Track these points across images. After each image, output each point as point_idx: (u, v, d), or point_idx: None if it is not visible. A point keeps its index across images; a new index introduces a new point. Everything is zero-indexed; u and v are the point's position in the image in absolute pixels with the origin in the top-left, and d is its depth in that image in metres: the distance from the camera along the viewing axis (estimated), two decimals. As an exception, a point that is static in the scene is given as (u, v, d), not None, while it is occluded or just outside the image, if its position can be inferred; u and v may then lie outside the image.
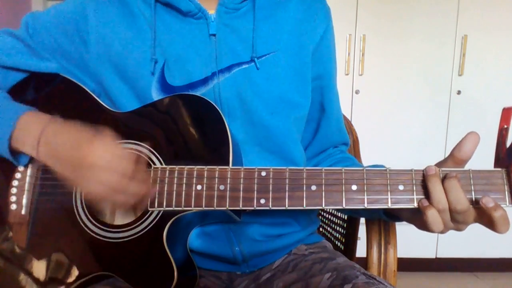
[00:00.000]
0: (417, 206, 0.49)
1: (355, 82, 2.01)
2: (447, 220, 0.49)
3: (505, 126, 0.48)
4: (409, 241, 2.04)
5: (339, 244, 0.87)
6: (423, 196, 0.49)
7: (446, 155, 0.51)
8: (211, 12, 0.64)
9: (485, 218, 0.48)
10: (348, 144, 0.81)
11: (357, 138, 0.91)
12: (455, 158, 0.49)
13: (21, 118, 0.58)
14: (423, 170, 0.49)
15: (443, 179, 0.48)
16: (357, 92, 2.01)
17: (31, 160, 0.61)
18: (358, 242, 0.81)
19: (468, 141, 0.48)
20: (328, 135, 0.76)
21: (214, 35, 0.64)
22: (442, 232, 0.49)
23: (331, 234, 0.93)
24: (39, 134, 0.56)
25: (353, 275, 0.57)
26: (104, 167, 0.50)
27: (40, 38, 0.66)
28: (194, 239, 0.64)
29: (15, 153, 0.59)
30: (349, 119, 0.86)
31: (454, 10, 1.95)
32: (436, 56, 1.98)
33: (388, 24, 1.96)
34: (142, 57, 0.63)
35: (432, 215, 0.47)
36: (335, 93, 0.76)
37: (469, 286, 2.03)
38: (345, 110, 0.80)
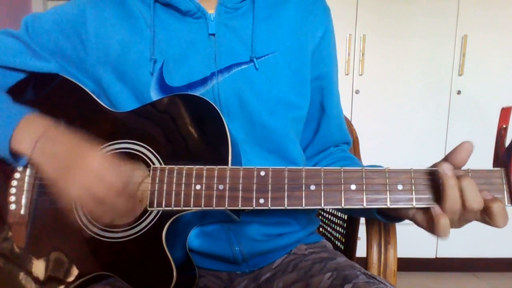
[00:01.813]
0: (415, 206, 0.49)
1: (355, 82, 2.01)
2: (455, 221, 0.48)
3: (504, 126, 0.48)
4: (409, 241, 2.04)
5: (339, 244, 0.87)
6: (422, 196, 0.49)
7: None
8: (211, 11, 0.64)
9: (485, 212, 0.47)
10: (350, 143, 0.81)
11: (357, 138, 0.91)
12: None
13: (24, 119, 0.59)
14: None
15: (457, 179, 0.47)
16: (357, 92, 2.01)
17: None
18: (358, 242, 0.81)
19: (462, 151, 0.48)
20: (328, 135, 0.76)
21: (214, 34, 0.64)
22: None
23: (331, 234, 0.93)
24: (39, 135, 0.57)
25: (354, 275, 0.57)
26: (94, 176, 0.52)
27: (40, 38, 0.66)
28: (194, 238, 0.64)
29: (15, 153, 0.59)
30: (349, 119, 0.86)
31: (454, 10, 1.95)
32: (436, 56, 1.98)
33: (388, 24, 1.96)
34: (141, 57, 0.63)
35: (444, 224, 0.46)
36: (336, 94, 0.76)
37: (469, 286, 2.02)
38: (345, 110, 0.80)
